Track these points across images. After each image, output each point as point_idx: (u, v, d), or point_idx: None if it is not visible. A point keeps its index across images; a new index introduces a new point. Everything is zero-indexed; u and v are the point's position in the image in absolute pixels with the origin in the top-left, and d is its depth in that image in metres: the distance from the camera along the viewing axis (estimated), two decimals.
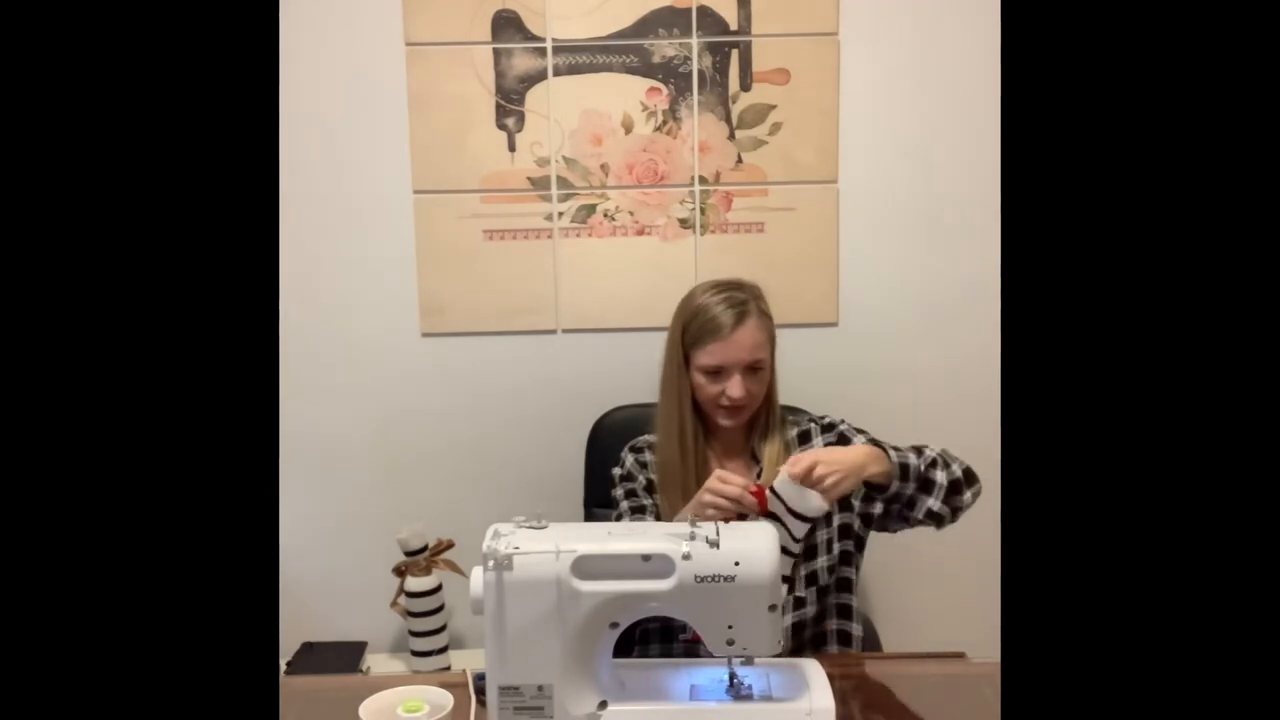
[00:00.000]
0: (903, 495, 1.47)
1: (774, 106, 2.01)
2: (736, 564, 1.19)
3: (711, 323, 1.54)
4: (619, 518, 1.61)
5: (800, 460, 1.37)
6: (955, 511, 1.51)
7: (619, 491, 1.64)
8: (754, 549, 1.20)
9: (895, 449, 1.47)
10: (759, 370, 1.56)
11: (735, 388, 1.53)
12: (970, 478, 1.51)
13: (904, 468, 1.45)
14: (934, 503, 1.47)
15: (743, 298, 1.57)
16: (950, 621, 2.06)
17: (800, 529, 1.40)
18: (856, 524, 1.60)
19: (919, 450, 1.50)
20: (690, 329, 1.57)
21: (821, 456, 1.37)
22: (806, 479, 1.35)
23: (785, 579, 1.42)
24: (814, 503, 1.37)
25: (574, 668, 1.21)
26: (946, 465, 1.50)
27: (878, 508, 1.56)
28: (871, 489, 1.48)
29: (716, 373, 1.55)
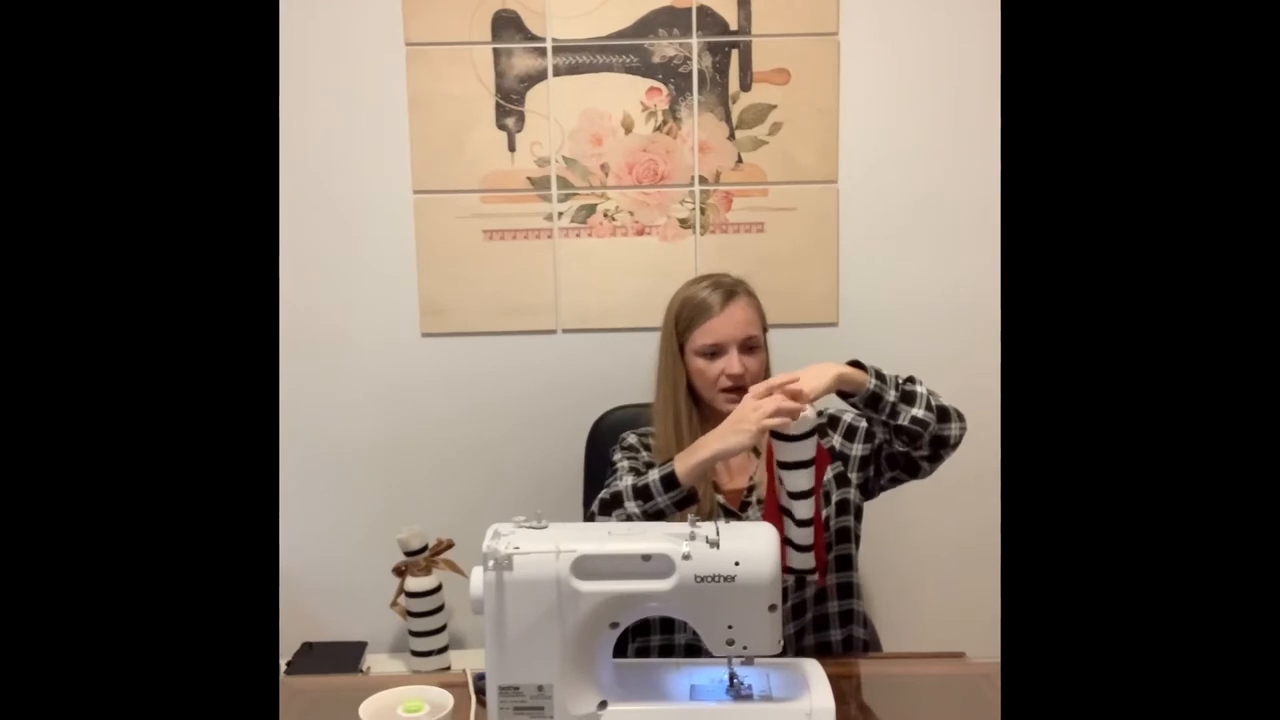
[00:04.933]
0: (883, 401, 1.44)
1: (774, 106, 2.01)
2: (736, 564, 1.19)
3: (702, 305, 1.59)
4: (613, 474, 1.61)
5: (757, 386, 1.40)
6: (941, 438, 1.47)
7: (618, 455, 1.65)
8: (754, 549, 1.20)
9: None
10: (754, 349, 1.59)
11: (734, 363, 1.56)
12: (958, 413, 1.50)
13: (880, 374, 1.44)
14: (919, 410, 1.44)
15: (729, 281, 1.63)
16: (950, 621, 2.06)
17: (798, 480, 1.36)
18: (854, 495, 1.61)
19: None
20: (682, 316, 1.61)
21: (778, 375, 1.41)
22: (781, 388, 1.37)
23: (792, 574, 1.40)
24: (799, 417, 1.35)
25: (574, 668, 1.21)
26: (931, 394, 1.48)
27: (872, 471, 1.57)
28: (845, 396, 1.47)
29: (713, 353, 1.58)
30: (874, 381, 1.44)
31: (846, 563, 1.61)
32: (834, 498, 1.59)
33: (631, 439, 1.68)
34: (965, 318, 2.06)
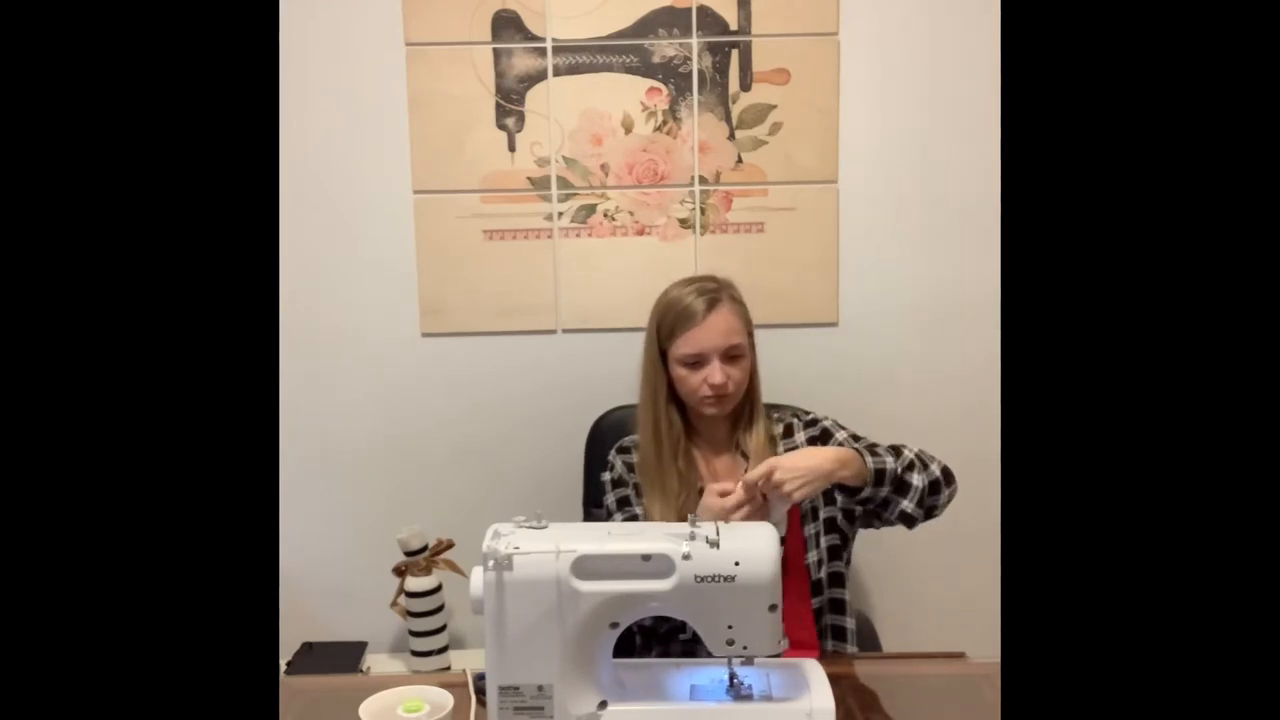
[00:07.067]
0: (876, 498, 1.46)
1: (774, 106, 2.01)
2: (736, 564, 1.19)
3: (685, 312, 1.55)
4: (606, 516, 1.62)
5: (756, 469, 1.35)
6: (930, 511, 1.50)
7: (610, 498, 1.64)
8: (754, 549, 1.20)
9: (873, 451, 1.46)
10: (738, 357, 1.56)
11: (715, 373, 1.53)
12: (948, 477, 1.50)
13: (879, 473, 1.44)
14: (908, 505, 1.46)
15: (714, 287, 1.58)
16: (950, 621, 2.06)
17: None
18: (839, 518, 1.59)
19: (897, 451, 1.48)
20: (665, 323, 1.57)
21: (780, 462, 1.36)
22: (765, 485, 1.34)
23: None
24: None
25: (574, 668, 1.21)
26: (924, 466, 1.48)
27: (856, 509, 1.56)
28: (843, 491, 1.47)
29: (695, 363, 1.55)
30: (870, 488, 1.44)
31: (838, 580, 1.60)
32: (821, 514, 1.58)
33: (618, 466, 1.65)
34: (965, 317, 2.06)
